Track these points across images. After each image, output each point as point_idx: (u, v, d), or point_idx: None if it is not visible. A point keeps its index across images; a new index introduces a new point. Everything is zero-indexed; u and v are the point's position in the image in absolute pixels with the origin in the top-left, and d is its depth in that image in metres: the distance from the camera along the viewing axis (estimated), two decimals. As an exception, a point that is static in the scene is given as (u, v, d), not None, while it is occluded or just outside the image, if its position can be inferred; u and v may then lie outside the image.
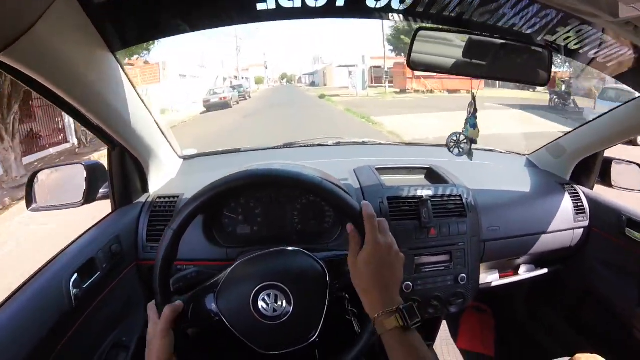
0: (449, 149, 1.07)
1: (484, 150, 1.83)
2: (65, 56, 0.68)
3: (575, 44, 0.90)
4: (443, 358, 1.76)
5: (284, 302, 0.68)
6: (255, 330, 0.68)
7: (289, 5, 0.72)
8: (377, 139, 1.88)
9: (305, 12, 0.74)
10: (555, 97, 14.53)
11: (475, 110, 0.99)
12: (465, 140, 1.04)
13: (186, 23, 0.79)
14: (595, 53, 0.92)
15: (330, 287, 0.72)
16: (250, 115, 14.45)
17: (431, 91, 20.93)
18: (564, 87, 15.08)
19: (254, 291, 0.68)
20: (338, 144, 1.71)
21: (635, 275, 1.26)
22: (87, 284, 0.86)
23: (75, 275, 0.83)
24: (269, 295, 0.68)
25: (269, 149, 1.64)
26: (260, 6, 0.74)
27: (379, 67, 27.22)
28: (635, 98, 1.15)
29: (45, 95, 0.74)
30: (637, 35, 0.69)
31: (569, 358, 1.04)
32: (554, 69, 0.91)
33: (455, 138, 1.06)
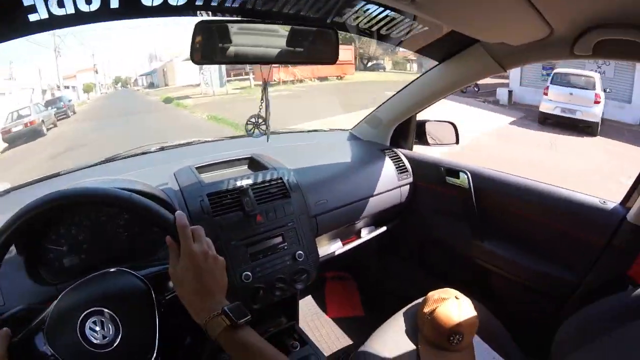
0: (249, 134, 1.08)
1: (309, 131, 1.95)
2: None
3: (367, 23, 0.98)
4: (317, 331, 1.84)
5: (112, 327, 0.65)
6: None
7: (61, 12, 0.70)
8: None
9: (80, 19, 0.73)
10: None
11: (266, 90, 1.05)
12: (262, 122, 1.07)
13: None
14: (392, 32, 1.02)
15: (158, 303, 0.69)
16: (66, 152, 8.58)
17: (301, 80, 19.19)
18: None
19: (79, 321, 0.64)
20: (162, 149, 1.61)
21: (460, 214, 1.46)
22: None
23: None
24: (95, 323, 0.64)
25: (90, 166, 1.45)
26: (33, 17, 0.70)
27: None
28: (432, 68, 1.37)
29: None
30: (418, 9, 0.72)
31: (424, 297, 1.21)
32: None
33: (253, 121, 1.07)
